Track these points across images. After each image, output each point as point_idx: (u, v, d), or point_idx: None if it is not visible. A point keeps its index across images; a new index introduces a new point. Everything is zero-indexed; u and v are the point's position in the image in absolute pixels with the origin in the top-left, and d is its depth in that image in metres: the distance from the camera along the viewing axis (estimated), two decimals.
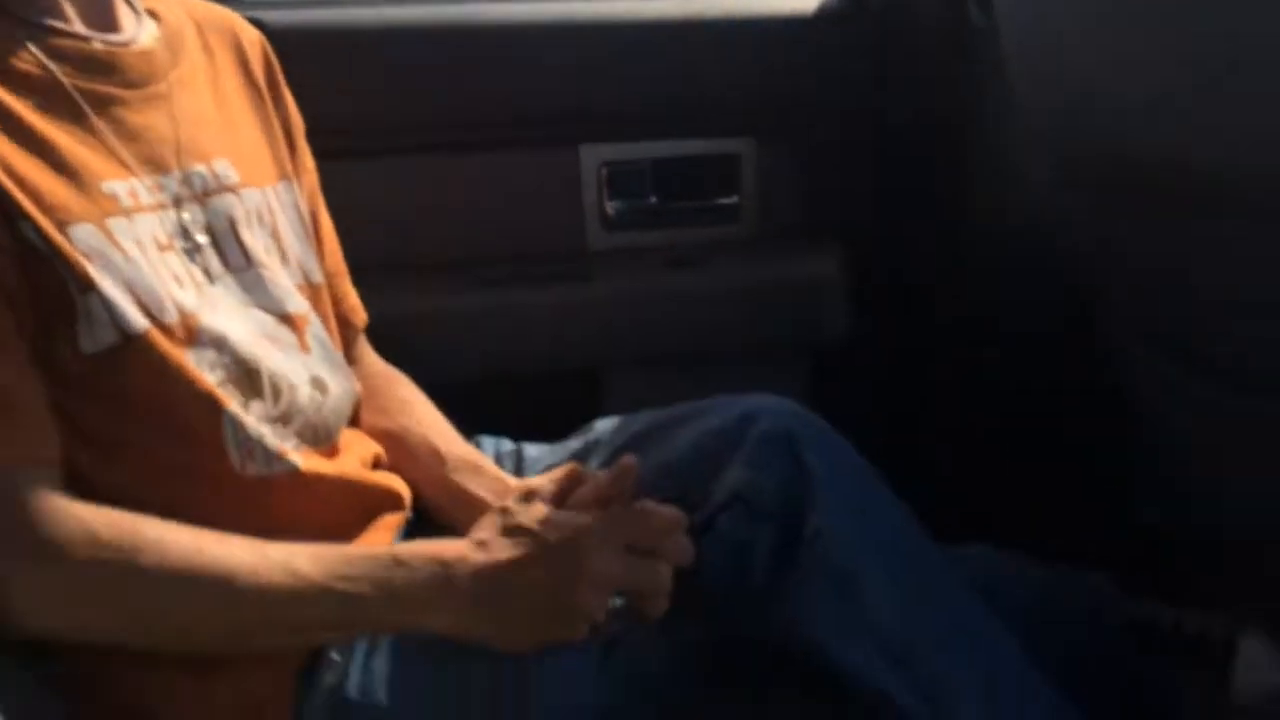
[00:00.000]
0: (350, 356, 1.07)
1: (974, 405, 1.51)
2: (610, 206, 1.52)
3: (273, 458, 0.86)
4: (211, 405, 0.84)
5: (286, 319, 0.94)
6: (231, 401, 0.85)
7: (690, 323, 1.53)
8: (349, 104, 1.33)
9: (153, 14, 0.96)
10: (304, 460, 0.89)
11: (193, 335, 0.84)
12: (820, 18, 1.52)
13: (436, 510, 1.01)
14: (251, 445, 0.85)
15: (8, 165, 0.78)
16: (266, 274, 0.93)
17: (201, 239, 0.90)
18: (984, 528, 1.08)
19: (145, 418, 0.82)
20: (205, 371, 0.84)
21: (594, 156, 1.50)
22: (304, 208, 1.03)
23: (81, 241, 0.80)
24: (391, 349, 1.15)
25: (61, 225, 0.79)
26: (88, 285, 0.79)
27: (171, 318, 0.83)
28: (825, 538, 0.87)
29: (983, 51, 1.30)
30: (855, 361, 1.59)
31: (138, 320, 0.81)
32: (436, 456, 1.03)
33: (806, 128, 1.56)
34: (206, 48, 1.00)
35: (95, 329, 0.79)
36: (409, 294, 1.41)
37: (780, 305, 1.56)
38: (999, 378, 1.46)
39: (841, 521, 0.88)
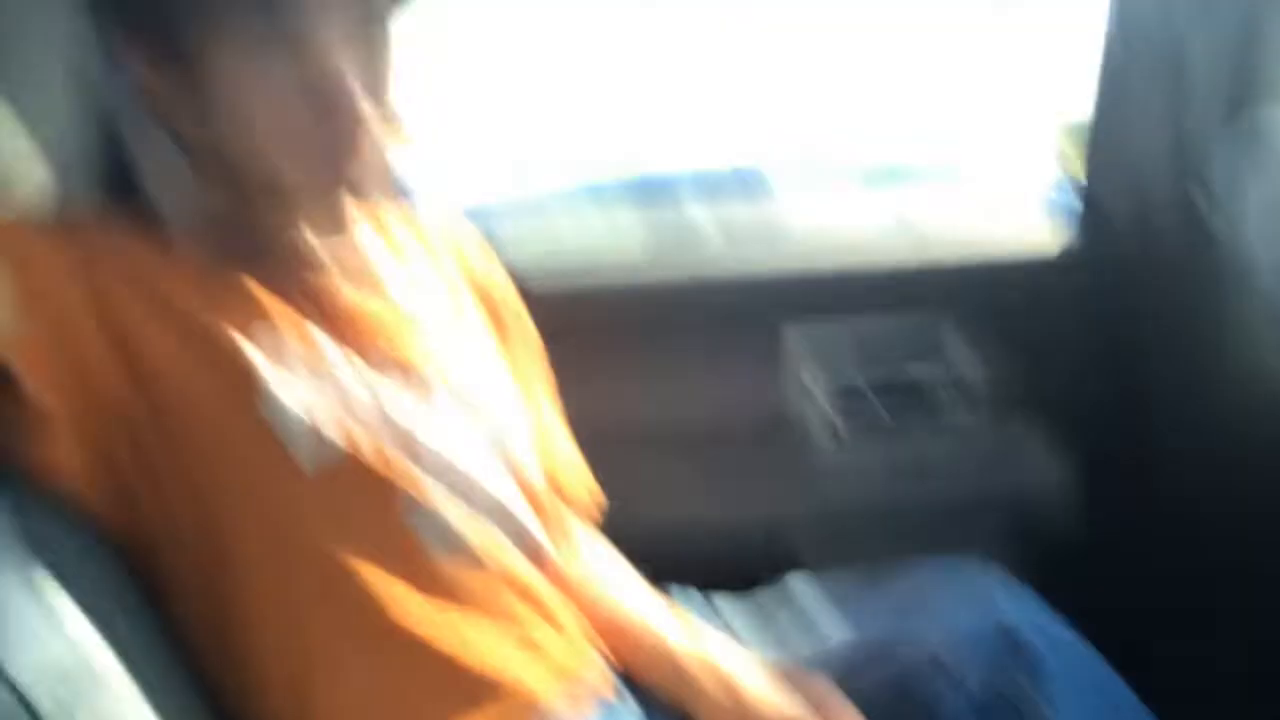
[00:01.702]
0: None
1: (1197, 592, 1.40)
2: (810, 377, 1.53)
3: (475, 559, 0.88)
4: (424, 515, 0.87)
5: (503, 451, 0.96)
6: (444, 507, 0.88)
7: (887, 482, 1.49)
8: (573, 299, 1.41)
9: (373, 217, 1.02)
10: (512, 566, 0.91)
11: (411, 453, 0.88)
12: (1064, 258, 1.54)
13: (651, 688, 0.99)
14: (458, 545, 0.88)
15: (230, 332, 0.85)
16: (483, 410, 0.96)
17: (412, 404, 0.92)
18: None
19: (364, 530, 0.85)
20: (424, 487, 0.87)
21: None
22: (512, 383, 1.05)
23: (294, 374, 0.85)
24: None
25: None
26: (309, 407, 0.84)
27: (389, 437, 0.87)
28: None
29: (1229, 279, 1.27)
30: (1058, 527, 1.54)
31: (355, 438, 0.85)
32: (658, 646, 1.01)
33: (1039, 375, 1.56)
34: (429, 250, 1.06)
35: (315, 447, 0.84)
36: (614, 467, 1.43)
37: (982, 467, 1.53)
38: (1226, 560, 1.34)
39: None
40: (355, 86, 0.85)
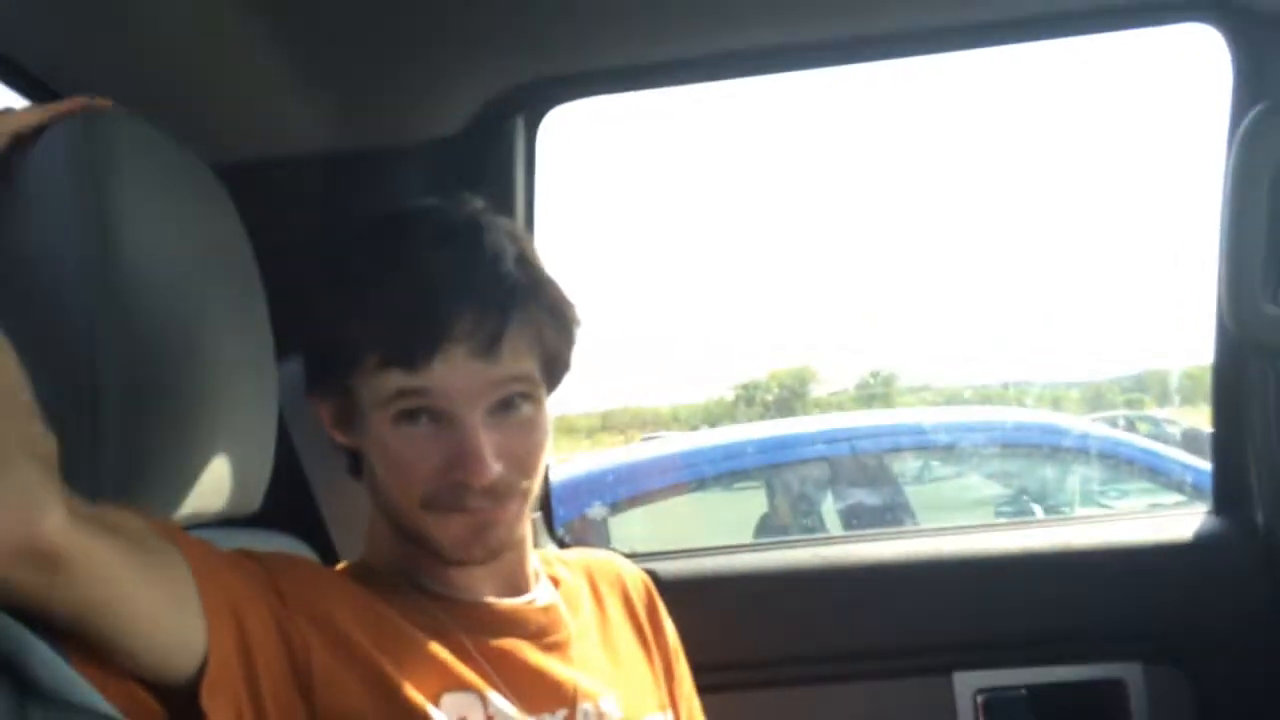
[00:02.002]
0: None
1: None
2: None
3: None
4: None
5: None
6: None
7: None
8: (725, 642, 1.37)
9: (554, 579, 1.06)
10: None
11: None
12: (1198, 543, 1.47)
13: None
14: None
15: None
16: None
17: None
18: None
19: None
20: None
21: (968, 684, 1.46)
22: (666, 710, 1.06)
23: None
24: None
25: None
26: None
27: None
28: None
29: None
30: None
31: None
32: None
33: (1195, 653, 1.47)
34: (597, 596, 1.09)
35: None
36: None
37: None
38: None
39: None
40: (490, 458, 0.90)
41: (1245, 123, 1.06)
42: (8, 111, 0.83)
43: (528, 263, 0.95)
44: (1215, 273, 1.45)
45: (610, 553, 1.21)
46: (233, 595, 0.81)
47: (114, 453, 0.80)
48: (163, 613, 0.73)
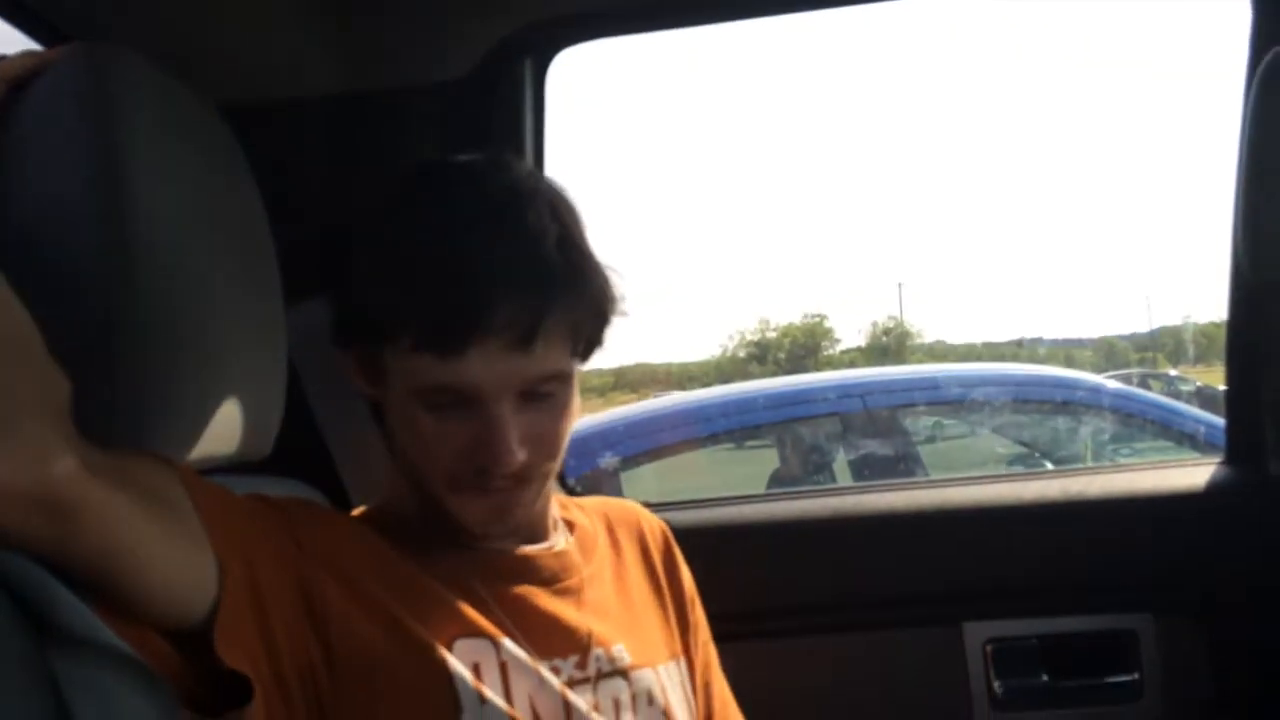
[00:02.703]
0: None
1: None
2: (997, 685, 1.46)
3: None
4: None
5: None
6: None
7: None
8: (736, 591, 1.37)
9: (570, 523, 1.07)
10: None
11: None
12: (1211, 493, 1.46)
13: None
14: None
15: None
16: (644, 689, 0.98)
17: (588, 709, 0.93)
18: None
19: None
20: None
21: (978, 634, 1.46)
22: (691, 684, 1.06)
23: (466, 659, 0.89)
24: None
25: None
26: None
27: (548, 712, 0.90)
28: None
29: None
30: None
31: (519, 711, 0.88)
32: None
33: (1211, 604, 1.46)
34: (614, 541, 1.09)
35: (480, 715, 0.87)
36: None
37: None
38: None
39: None
40: (517, 447, 0.89)
41: (1264, 63, 1.04)
42: (3, 58, 0.82)
43: (569, 245, 0.92)
44: (1232, 217, 1.44)
45: (630, 500, 1.21)
46: (244, 539, 0.81)
47: (126, 395, 0.79)
48: (174, 559, 0.73)
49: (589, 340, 0.96)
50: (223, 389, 0.91)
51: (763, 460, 4.49)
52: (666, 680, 1.03)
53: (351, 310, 0.95)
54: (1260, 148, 1.08)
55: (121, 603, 0.69)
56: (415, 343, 0.88)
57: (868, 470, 3.41)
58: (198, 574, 0.75)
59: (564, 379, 0.93)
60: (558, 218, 0.92)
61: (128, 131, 0.81)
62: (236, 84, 1.20)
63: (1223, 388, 1.56)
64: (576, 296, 0.91)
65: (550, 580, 0.99)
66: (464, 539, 0.96)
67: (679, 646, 1.08)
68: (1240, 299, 1.43)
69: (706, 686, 1.11)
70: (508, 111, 1.31)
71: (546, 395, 0.92)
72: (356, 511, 1.05)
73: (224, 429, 0.91)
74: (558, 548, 1.02)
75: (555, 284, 0.89)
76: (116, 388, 0.78)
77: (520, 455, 0.89)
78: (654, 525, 1.15)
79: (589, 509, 1.12)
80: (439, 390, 0.89)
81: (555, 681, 0.92)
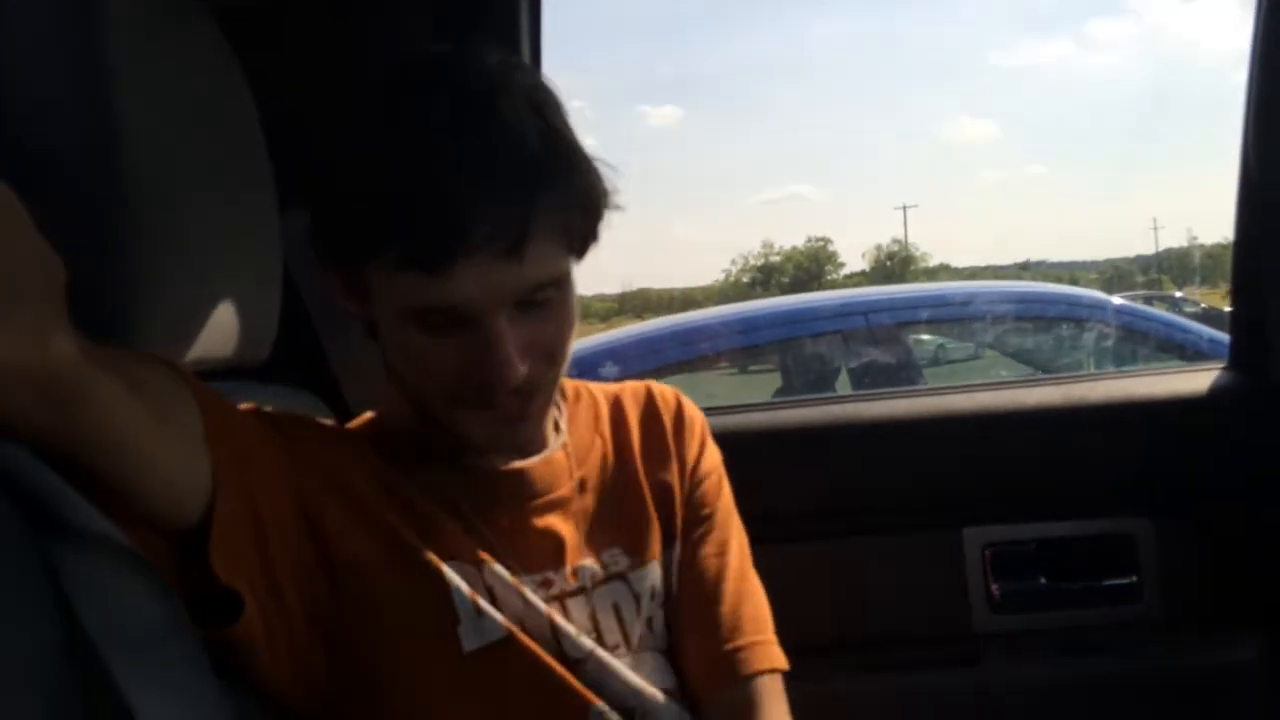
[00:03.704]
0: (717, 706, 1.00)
1: None
2: (996, 589, 1.47)
3: None
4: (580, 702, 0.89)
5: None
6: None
7: (1090, 713, 1.43)
8: (738, 497, 1.38)
9: (572, 414, 1.03)
10: None
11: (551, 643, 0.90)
12: (1214, 396, 1.46)
13: None
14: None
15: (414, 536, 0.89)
16: (628, 659, 0.95)
17: (576, 636, 0.92)
18: None
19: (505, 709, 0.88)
20: (566, 676, 0.89)
21: (977, 539, 1.47)
22: (677, 569, 1.02)
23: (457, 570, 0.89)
24: None
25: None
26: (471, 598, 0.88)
27: (533, 626, 0.90)
28: None
29: None
30: None
31: (512, 624, 0.88)
32: None
33: (1208, 506, 1.47)
34: (619, 418, 1.05)
35: (476, 629, 0.87)
36: (788, 678, 1.40)
37: (1191, 696, 1.43)
38: None
39: None
40: (516, 360, 0.85)
41: None
42: None
43: (552, 139, 0.85)
44: (1242, 122, 1.42)
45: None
46: (243, 448, 0.80)
47: (115, 294, 0.79)
48: (173, 459, 0.72)
49: (584, 238, 0.90)
50: (216, 290, 0.90)
51: (765, 385, 4.49)
52: (659, 576, 1.00)
53: (330, 226, 0.89)
54: (1273, 54, 1.06)
55: (126, 495, 0.69)
56: (398, 261, 0.83)
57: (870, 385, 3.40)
58: (195, 479, 0.74)
59: (560, 283, 0.88)
60: (537, 110, 0.85)
61: (113, 33, 0.79)
62: None
63: (1228, 309, 1.55)
64: (564, 194, 0.85)
65: (541, 493, 0.97)
66: (466, 455, 0.95)
67: (678, 527, 1.02)
68: (1249, 199, 1.42)
69: (707, 559, 1.03)
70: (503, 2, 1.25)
71: (544, 302, 0.87)
72: (354, 423, 1.03)
73: (219, 331, 0.91)
74: (551, 454, 0.99)
75: (540, 185, 0.83)
76: (107, 286, 0.78)
77: (522, 368, 0.85)
78: (666, 393, 1.09)
79: (596, 391, 1.07)
80: (429, 311, 0.85)
81: (540, 604, 0.91)
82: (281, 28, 1.20)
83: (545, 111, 0.86)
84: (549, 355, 0.89)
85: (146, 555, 0.70)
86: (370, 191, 0.83)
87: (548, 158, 0.84)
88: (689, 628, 0.99)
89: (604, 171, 0.91)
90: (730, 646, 0.99)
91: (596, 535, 0.97)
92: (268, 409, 0.92)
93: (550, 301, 0.88)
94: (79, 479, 0.67)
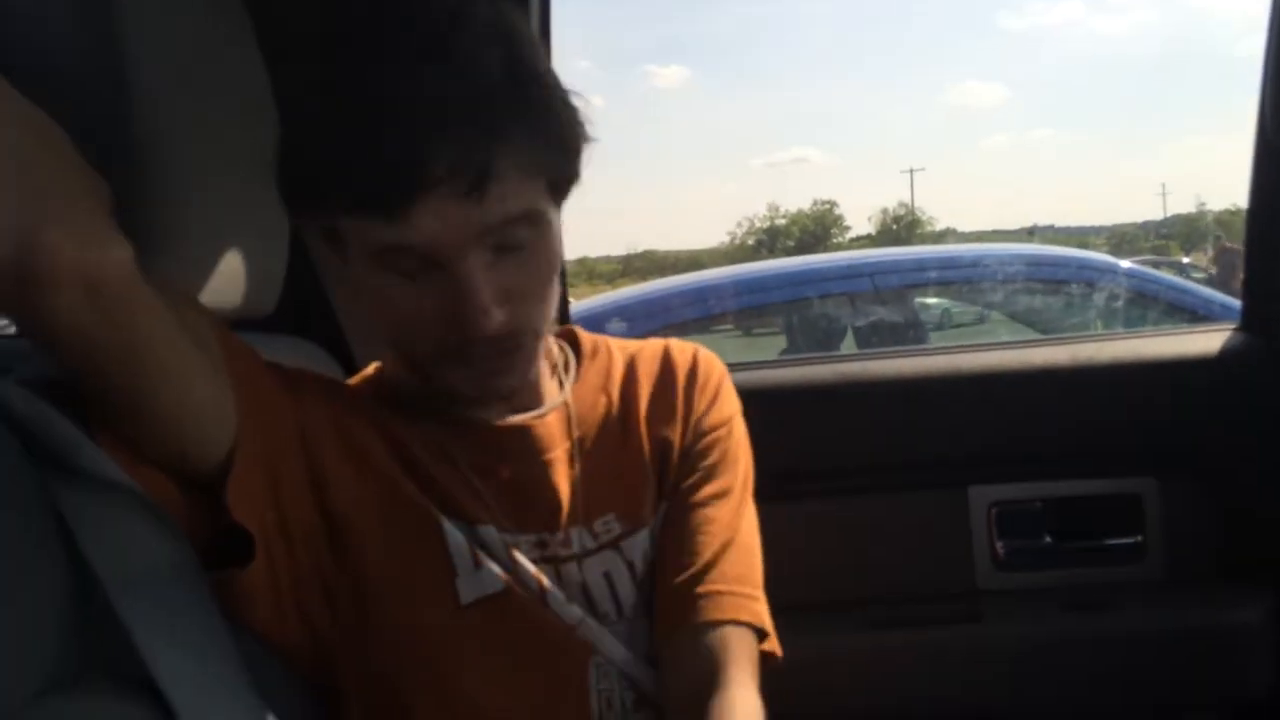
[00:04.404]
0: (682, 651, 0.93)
1: None
2: (1000, 546, 1.47)
3: None
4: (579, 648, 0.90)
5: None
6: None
7: (1091, 671, 1.43)
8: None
9: (580, 371, 1.02)
10: None
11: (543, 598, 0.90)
12: (1225, 357, 1.45)
13: None
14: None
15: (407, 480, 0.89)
16: (621, 627, 0.93)
17: (565, 602, 0.91)
18: None
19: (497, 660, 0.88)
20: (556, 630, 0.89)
21: (983, 498, 1.47)
22: (673, 521, 0.98)
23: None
24: (768, 687, 1.12)
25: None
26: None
27: (528, 582, 0.90)
28: None
29: None
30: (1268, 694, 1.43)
31: (506, 574, 0.88)
32: None
33: (1217, 467, 1.47)
34: (632, 376, 1.02)
35: (474, 581, 0.87)
36: (792, 634, 1.41)
37: (1195, 655, 1.43)
38: None
39: None
40: (493, 306, 0.82)
41: None
42: None
43: (516, 69, 0.80)
44: (1261, 78, 1.40)
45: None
46: (259, 389, 0.81)
47: (125, 235, 0.79)
48: (205, 386, 0.73)
49: (559, 174, 0.86)
50: (223, 241, 0.90)
51: (769, 346, 4.48)
52: (650, 542, 0.97)
53: (295, 174, 0.84)
54: None
55: (149, 426, 0.69)
56: (356, 203, 0.79)
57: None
58: (222, 413, 0.75)
59: (535, 220, 0.83)
60: (500, 41, 0.80)
61: None
62: None
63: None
64: (531, 128, 0.80)
65: (538, 451, 0.95)
66: (464, 407, 0.93)
67: (679, 480, 0.99)
68: (1264, 159, 1.40)
69: (695, 508, 0.98)
70: None
71: (518, 246, 0.83)
72: (357, 377, 1.03)
73: (226, 282, 0.90)
74: (550, 411, 0.97)
75: (503, 117, 0.79)
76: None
77: (498, 315, 0.82)
78: (685, 349, 1.06)
79: (615, 348, 1.05)
80: (394, 252, 0.81)
81: (530, 566, 0.90)
82: None
83: (511, 43, 0.81)
84: (528, 302, 0.86)
85: (155, 499, 0.70)
86: (325, 131, 0.79)
87: (512, 90, 0.79)
88: (662, 570, 0.95)
89: (576, 102, 0.86)
90: (701, 589, 0.93)
91: (592, 500, 0.95)
92: (278, 362, 0.91)
93: (525, 244, 0.83)
94: (110, 404, 0.68)
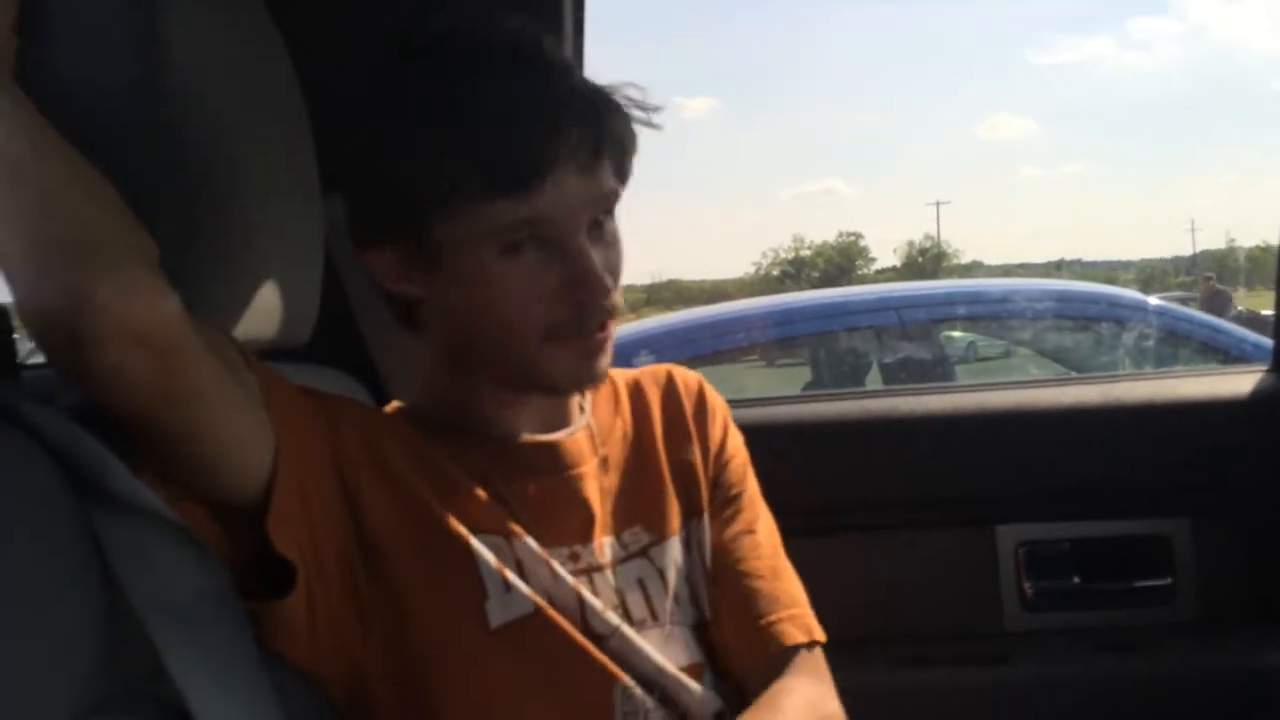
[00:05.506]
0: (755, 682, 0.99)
1: None
2: (1029, 587, 1.46)
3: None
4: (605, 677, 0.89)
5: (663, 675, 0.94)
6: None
7: (1121, 715, 1.41)
8: (770, 490, 1.37)
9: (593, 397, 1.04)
10: None
11: (578, 619, 0.91)
12: (1256, 399, 1.44)
13: None
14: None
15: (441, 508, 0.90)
16: (656, 633, 0.95)
17: (602, 611, 0.92)
18: None
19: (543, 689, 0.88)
20: (591, 650, 0.89)
21: (1010, 537, 1.46)
22: (708, 541, 1.02)
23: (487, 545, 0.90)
24: None
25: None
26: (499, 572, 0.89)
27: (560, 603, 0.90)
28: None
29: None
30: None
31: (539, 597, 0.89)
32: None
33: (1249, 509, 1.45)
34: (639, 400, 1.07)
35: (504, 604, 0.88)
36: None
37: (1227, 699, 1.41)
38: None
39: None
40: (608, 281, 0.90)
41: None
42: None
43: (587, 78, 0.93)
44: None
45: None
46: (295, 418, 0.82)
47: (165, 271, 0.80)
48: (244, 424, 0.75)
49: (628, 164, 0.95)
50: (261, 269, 0.91)
51: (794, 378, 4.47)
52: (680, 550, 1.00)
53: (386, 192, 0.89)
54: None
55: (192, 461, 0.72)
56: (487, 187, 0.85)
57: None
58: (261, 443, 0.77)
59: (614, 205, 0.93)
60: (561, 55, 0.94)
61: (167, 10, 0.80)
62: None
63: (1266, 313, 1.53)
64: (617, 111, 0.92)
65: (568, 466, 0.98)
66: (496, 427, 0.96)
67: (702, 501, 1.04)
68: None
69: (741, 537, 1.03)
70: None
71: (605, 228, 0.92)
72: (391, 407, 1.05)
73: (263, 311, 0.91)
74: (576, 430, 1.00)
75: (599, 102, 0.90)
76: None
77: (610, 282, 0.90)
78: (689, 377, 1.11)
79: (615, 375, 1.08)
80: (517, 228, 0.87)
81: (569, 577, 0.92)
82: (327, 9, 1.20)
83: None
84: (615, 280, 0.93)
85: (194, 529, 0.72)
86: (448, 131, 0.86)
87: (594, 86, 0.91)
88: (725, 603, 1.01)
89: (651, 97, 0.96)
90: (766, 620, 1.00)
91: (619, 513, 0.99)
92: (311, 388, 0.92)
93: (607, 226, 0.93)
94: (153, 441, 0.70)
